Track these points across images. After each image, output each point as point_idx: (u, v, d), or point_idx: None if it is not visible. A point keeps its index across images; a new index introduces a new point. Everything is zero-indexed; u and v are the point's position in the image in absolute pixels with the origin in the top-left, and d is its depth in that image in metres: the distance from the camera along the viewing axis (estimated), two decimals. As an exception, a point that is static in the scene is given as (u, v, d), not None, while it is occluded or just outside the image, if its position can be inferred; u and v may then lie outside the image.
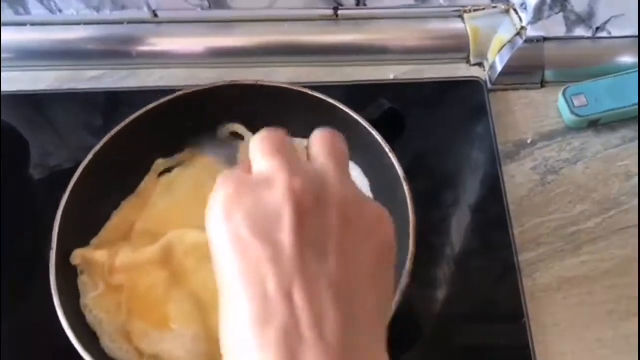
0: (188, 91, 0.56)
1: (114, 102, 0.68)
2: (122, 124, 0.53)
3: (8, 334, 0.55)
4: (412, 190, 0.50)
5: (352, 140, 0.52)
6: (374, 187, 0.57)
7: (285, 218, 0.29)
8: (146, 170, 0.58)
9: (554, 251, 0.58)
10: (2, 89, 0.68)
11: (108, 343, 0.48)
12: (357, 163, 0.57)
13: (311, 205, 0.29)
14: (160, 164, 0.58)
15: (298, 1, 0.67)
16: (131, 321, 0.50)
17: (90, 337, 0.47)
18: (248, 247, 0.29)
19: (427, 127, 0.65)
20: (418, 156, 0.62)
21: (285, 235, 0.29)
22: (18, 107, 0.69)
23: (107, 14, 0.69)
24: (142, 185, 0.57)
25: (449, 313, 0.56)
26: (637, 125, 0.64)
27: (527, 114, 0.66)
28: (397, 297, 0.45)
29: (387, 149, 0.52)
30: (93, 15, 0.69)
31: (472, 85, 0.67)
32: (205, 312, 0.50)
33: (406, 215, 0.49)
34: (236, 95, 0.57)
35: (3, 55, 0.69)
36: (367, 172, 0.58)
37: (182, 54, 0.71)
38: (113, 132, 0.53)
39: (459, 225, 0.60)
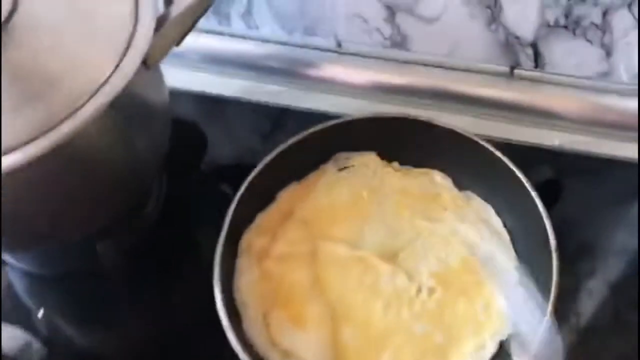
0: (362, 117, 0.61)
1: (286, 117, 0.74)
2: (313, 130, 0.59)
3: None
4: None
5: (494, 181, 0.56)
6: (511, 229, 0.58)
7: None
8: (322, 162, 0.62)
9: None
10: (194, 88, 0.75)
11: (249, 325, 0.52)
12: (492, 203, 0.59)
13: None
14: (339, 156, 0.62)
15: (477, 54, 0.69)
16: (273, 310, 0.53)
17: (233, 317, 0.51)
18: None
19: (580, 202, 0.64)
20: (564, 226, 0.61)
21: None
22: (203, 106, 0.77)
23: (297, 37, 0.74)
24: (312, 175, 0.61)
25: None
26: None
27: None
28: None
29: (544, 214, 0.53)
30: (284, 37, 0.75)
31: (634, 168, 0.65)
32: (337, 323, 0.53)
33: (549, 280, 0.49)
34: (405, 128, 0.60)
35: (200, 59, 0.77)
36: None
37: (356, 85, 0.75)
38: (301, 135, 0.59)
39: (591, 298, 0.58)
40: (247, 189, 0.56)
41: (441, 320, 0.53)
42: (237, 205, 0.55)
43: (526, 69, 0.69)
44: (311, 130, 0.60)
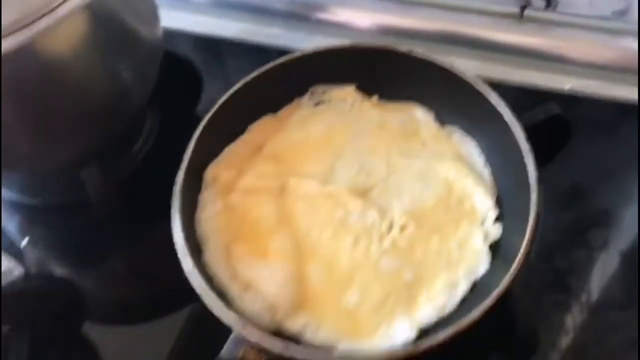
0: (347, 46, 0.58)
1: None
2: (289, 57, 0.56)
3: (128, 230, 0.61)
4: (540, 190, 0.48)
5: (476, 116, 0.53)
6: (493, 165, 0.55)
7: None
8: (298, 95, 0.59)
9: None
10: (195, 30, 0.74)
11: (210, 257, 0.50)
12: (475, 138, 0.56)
13: None
14: (316, 89, 0.59)
15: (485, -9, 0.66)
16: (236, 242, 0.51)
17: (194, 249, 0.49)
18: None
19: (591, 148, 0.60)
20: (574, 179, 0.59)
21: None
22: (200, 47, 0.76)
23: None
24: (286, 108, 0.58)
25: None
26: None
27: None
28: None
29: (524, 149, 0.50)
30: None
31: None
32: (302, 258, 0.51)
33: (527, 199, 0.47)
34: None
35: (200, 0, 0.74)
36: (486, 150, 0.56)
37: (359, 28, 0.72)
38: (274, 63, 0.56)
39: (603, 270, 0.55)
40: (211, 118, 0.54)
41: (411, 257, 0.50)
42: (201, 135, 0.53)
43: (537, 10, 0.65)
44: (284, 58, 0.57)
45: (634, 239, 0.55)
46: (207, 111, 0.69)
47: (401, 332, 0.47)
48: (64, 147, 0.56)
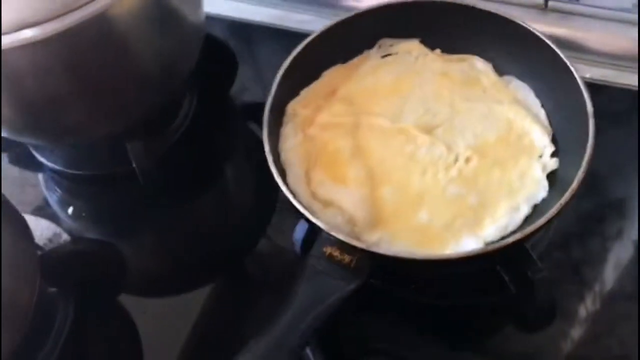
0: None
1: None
2: (360, 10, 0.62)
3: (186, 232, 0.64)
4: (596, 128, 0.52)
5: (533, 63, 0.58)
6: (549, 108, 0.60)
7: None
8: (367, 47, 0.64)
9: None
10: (226, 14, 0.78)
11: (292, 180, 0.56)
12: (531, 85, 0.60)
13: None
14: (384, 42, 0.64)
15: (510, -17, 0.69)
16: (314, 169, 0.57)
17: (280, 173, 0.54)
18: None
19: (612, 137, 0.62)
20: (591, 167, 0.61)
21: None
22: (235, 31, 0.79)
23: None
24: (356, 58, 0.64)
25: (577, 355, 0.54)
26: None
27: None
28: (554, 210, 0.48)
29: (583, 88, 0.54)
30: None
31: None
32: (376, 183, 0.56)
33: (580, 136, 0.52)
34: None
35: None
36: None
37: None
38: (346, 16, 0.61)
39: (617, 260, 0.58)
40: (291, 62, 0.59)
41: (475, 185, 0.55)
42: (282, 77, 0.58)
43: (561, 1, 0.69)
44: (355, 12, 0.62)
45: None
46: (240, 93, 0.72)
47: (469, 246, 0.51)
48: (112, 119, 0.59)
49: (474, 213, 0.54)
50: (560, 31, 0.69)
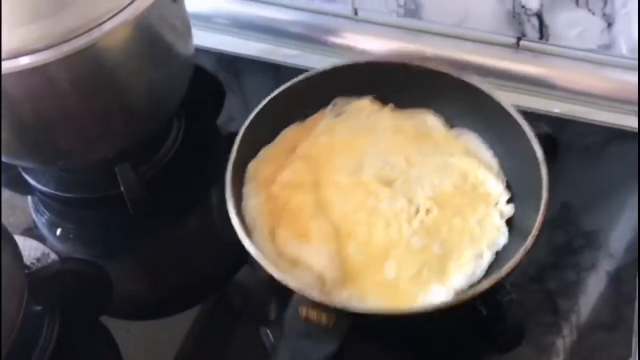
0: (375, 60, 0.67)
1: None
2: (315, 71, 0.64)
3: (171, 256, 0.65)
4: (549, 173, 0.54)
5: (483, 115, 0.61)
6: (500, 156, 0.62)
7: None
8: (322, 106, 0.66)
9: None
10: (216, 47, 0.80)
11: (257, 240, 0.55)
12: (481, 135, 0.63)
13: None
14: (338, 101, 0.66)
15: (486, 24, 0.73)
16: (279, 228, 0.57)
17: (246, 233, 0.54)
18: None
19: (583, 171, 0.66)
20: (564, 200, 0.64)
21: None
22: (223, 64, 0.82)
23: (316, 3, 0.79)
24: (312, 117, 0.65)
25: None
26: None
27: None
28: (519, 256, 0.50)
29: (527, 129, 0.57)
30: (304, 3, 0.79)
31: (633, 136, 0.68)
32: (341, 239, 0.56)
33: (534, 182, 0.54)
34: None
35: (225, 21, 0.81)
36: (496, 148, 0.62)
37: (370, 51, 0.79)
38: (302, 76, 0.63)
39: (591, 291, 0.60)
40: (251, 122, 0.60)
41: (438, 234, 0.56)
42: (243, 136, 0.59)
43: (532, 40, 0.73)
44: (309, 74, 0.64)
45: (620, 259, 0.59)
46: (227, 123, 0.75)
47: (439, 296, 0.52)
48: (102, 145, 0.61)
49: (439, 261, 0.55)
50: (532, 69, 0.73)
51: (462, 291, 0.52)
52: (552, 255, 0.61)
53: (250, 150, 0.61)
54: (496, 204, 0.59)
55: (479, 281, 0.54)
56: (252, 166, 0.61)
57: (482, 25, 0.74)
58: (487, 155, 0.63)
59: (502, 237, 0.57)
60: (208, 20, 0.82)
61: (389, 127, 0.65)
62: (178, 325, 0.60)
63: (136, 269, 0.67)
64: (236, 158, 0.58)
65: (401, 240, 0.56)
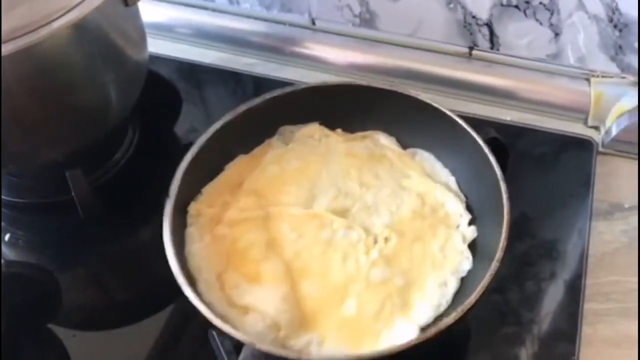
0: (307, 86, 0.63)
1: (259, 86, 0.77)
2: (256, 101, 0.60)
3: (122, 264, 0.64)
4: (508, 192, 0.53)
5: (437, 134, 0.59)
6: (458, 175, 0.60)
7: None
8: (267, 136, 0.63)
9: (624, 309, 0.57)
10: (175, 55, 0.80)
11: (203, 287, 0.51)
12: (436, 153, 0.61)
13: None
14: (283, 130, 0.63)
15: (438, 34, 0.74)
16: (227, 271, 0.53)
17: (189, 281, 0.50)
18: None
19: (529, 174, 0.66)
20: (522, 209, 0.63)
21: None
22: (182, 72, 0.81)
23: (274, 13, 0.80)
24: (259, 148, 0.62)
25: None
26: None
27: (631, 182, 0.66)
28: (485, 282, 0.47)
29: (486, 150, 0.55)
30: (262, 13, 0.80)
31: (583, 144, 0.69)
32: (295, 278, 0.53)
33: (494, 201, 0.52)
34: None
35: (184, 31, 0.82)
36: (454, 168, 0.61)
37: (327, 61, 0.79)
38: (242, 108, 0.60)
39: (551, 301, 0.59)
40: (192, 160, 0.56)
41: (399, 265, 0.53)
42: (184, 174, 0.55)
43: (483, 50, 0.74)
44: (249, 104, 0.60)
45: (576, 268, 0.59)
46: (187, 133, 0.74)
47: (403, 332, 0.49)
48: (49, 149, 0.60)
49: (402, 294, 0.52)
50: (484, 78, 0.74)
51: (428, 325, 0.50)
52: (513, 266, 0.60)
53: (192, 189, 0.57)
54: (457, 226, 0.56)
55: (446, 310, 0.51)
56: (194, 206, 0.56)
57: (435, 35, 0.75)
58: (445, 173, 0.60)
59: (465, 261, 0.54)
60: (169, 30, 0.82)
61: (340, 151, 0.62)
62: (130, 334, 0.59)
63: (87, 276, 0.65)
64: (176, 200, 0.54)
65: (360, 274, 0.53)
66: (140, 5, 0.62)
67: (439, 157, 0.61)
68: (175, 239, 0.52)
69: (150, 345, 0.57)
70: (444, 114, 0.58)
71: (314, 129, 0.64)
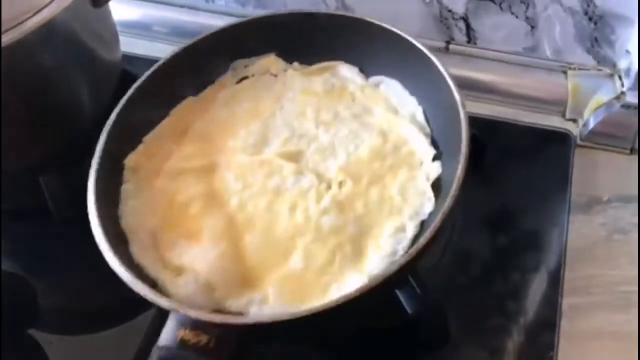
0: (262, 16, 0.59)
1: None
2: (201, 36, 0.55)
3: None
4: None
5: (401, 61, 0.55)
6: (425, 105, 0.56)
7: None
8: (220, 74, 0.58)
9: (602, 303, 0.57)
10: (150, 54, 0.79)
11: (136, 249, 0.48)
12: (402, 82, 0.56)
13: None
14: (236, 64, 0.58)
15: (414, 29, 0.73)
16: (163, 230, 0.49)
17: (118, 242, 0.47)
18: None
19: (507, 167, 0.65)
20: (503, 202, 0.63)
21: None
22: None
23: (249, 9, 0.78)
24: (209, 88, 0.57)
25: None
26: None
27: (609, 174, 0.65)
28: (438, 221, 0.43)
29: (447, 76, 0.51)
30: (238, 9, 0.78)
31: (561, 137, 0.67)
32: (237, 232, 0.48)
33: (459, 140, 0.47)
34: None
35: (159, 29, 0.81)
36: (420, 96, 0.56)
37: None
38: (182, 46, 0.55)
39: (536, 292, 0.58)
40: (127, 102, 0.51)
41: (353, 211, 0.48)
42: (115, 122, 0.50)
43: (460, 44, 0.73)
44: (200, 37, 0.55)
45: (555, 262, 0.58)
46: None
47: (354, 285, 0.43)
48: (23, 151, 0.59)
49: (354, 244, 0.47)
50: (461, 72, 0.73)
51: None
52: (497, 258, 0.59)
53: (129, 139, 0.52)
54: (421, 163, 0.51)
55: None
56: (132, 158, 0.51)
57: (412, 29, 0.72)
58: (412, 102, 0.55)
59: (427, 203, 0.48)
60: (144, 28, 0.80)
61: (297, 88, 0.56)
62: (113, 338, 0.57)
63: (63, 282, 0.64)
64: (105, 149, 0.49)
65: (309, 225, 0.48)
66: (113, 4, 0.61)
67: (405, 85, 0.56)
68: (107, 197, 0.48)
69: (134, 349, 0.55)
70: (405, 39, 0.54)
71: (270, 61, 0.59)
